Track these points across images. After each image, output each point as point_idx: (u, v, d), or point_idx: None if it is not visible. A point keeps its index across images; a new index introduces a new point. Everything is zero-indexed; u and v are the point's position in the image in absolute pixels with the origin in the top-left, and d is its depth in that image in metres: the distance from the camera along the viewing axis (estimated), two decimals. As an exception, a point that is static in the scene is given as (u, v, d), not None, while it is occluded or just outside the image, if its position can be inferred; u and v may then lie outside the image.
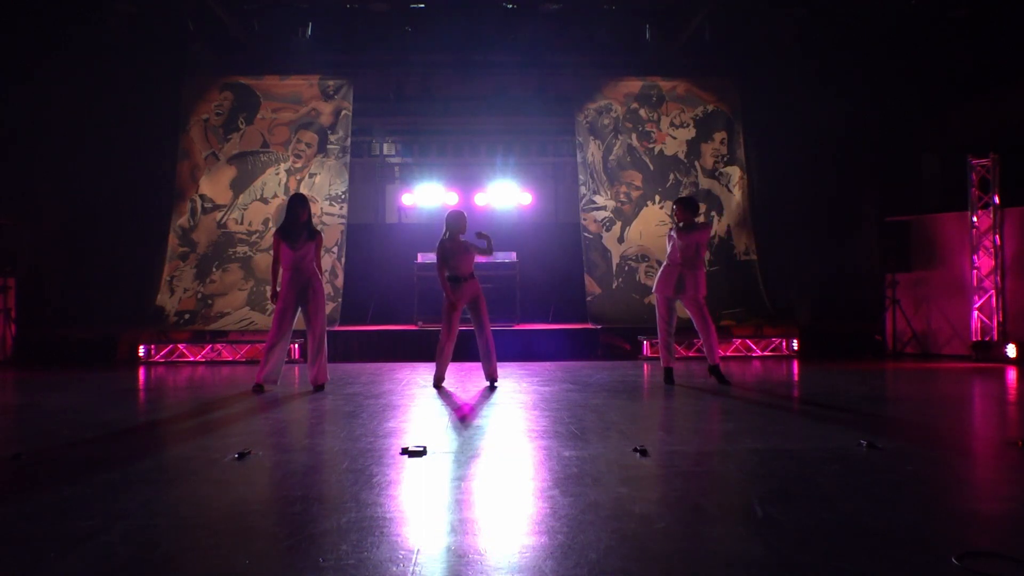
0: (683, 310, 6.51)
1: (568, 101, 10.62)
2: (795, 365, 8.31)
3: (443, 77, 10.68)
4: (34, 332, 9.22)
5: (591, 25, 9.88)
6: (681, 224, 6.28)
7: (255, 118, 10.17)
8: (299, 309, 6.08)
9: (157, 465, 3.47)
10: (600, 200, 10.25)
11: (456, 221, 6.15)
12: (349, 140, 10.20)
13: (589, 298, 9.89)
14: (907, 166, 10.01)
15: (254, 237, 9.83)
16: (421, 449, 3.62)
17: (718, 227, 10.24)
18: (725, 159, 10.44)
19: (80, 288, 9.39)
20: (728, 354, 9.32)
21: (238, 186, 10.01)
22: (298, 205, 6.05)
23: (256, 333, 9.16)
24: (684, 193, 10.09)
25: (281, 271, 6.07)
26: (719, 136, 10.48)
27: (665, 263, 6.34)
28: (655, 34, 9.92)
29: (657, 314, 6.37)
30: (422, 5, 9.34)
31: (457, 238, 6.15)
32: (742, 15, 9.47)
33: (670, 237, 6.32)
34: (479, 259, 6.28)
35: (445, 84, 10.79)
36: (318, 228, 9.52)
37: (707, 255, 8.04)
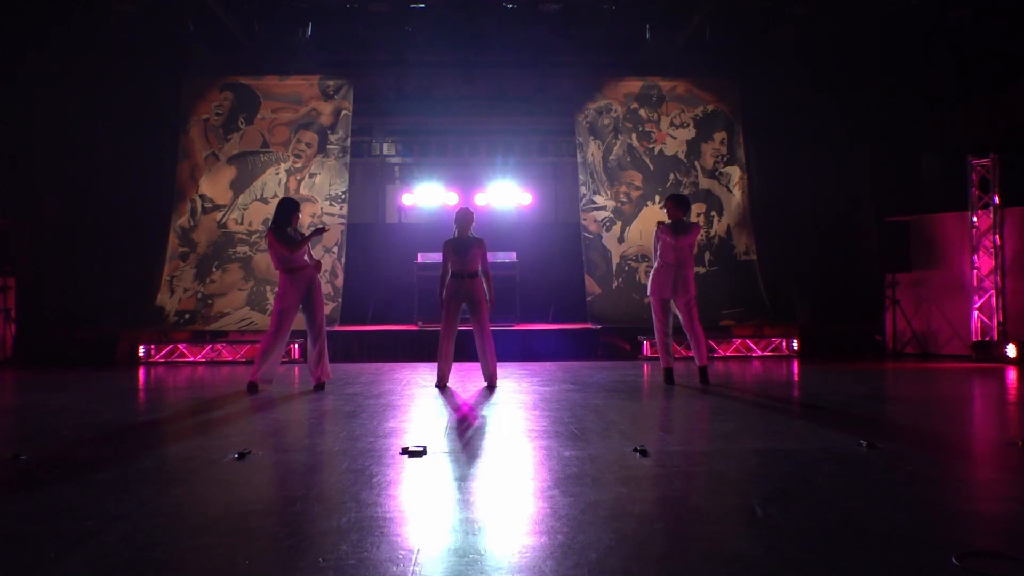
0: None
1: (568, 101, 10.62)
2: (795, 365, 8.31)
3: (443, 77, 10.68)
4: (34, 332, 9.22)
5: (591, 25, 9.88)
6: (671, 222, 6.25)
7: (255, 118, 10.17)
8: (299, 309, 6.07)
9: (157, 465, 3.47)
10: (600, 200, 10.25)
11: (463, 218, 6.20)
12: (349, 140, 10.20)
13: (589, 298, 9.89)
14: (907, 166, 10.00)
15: (254, 237, 9.83)
16: (421, 449, 3.62)
17: (718, 227, 10.25)
18: (725, 159, 10.44)
19: (80, 288, 9.39)
20: (728, 354, 9.33)
21: (238, 186, 10.01)
22: (291, 209, 6.05)
23: (256, 333, 9.15)
24: (684, 193, 10.09)
25: (279, 274, 6.04)
26: (719, 136, 10.48)
27: (657, 263, 6.27)
28: (655, 34, 9.91)
29: (653, 316, 6.35)
30: (422, 5, 9.33)
31: (464, 236, 6.17)
32: (742, 15, 9.46)
33: (659, 237, 6.25)
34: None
35: (445, 84, 10.79)
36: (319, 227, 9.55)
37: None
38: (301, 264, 5.98)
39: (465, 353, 7.58)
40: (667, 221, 6.29)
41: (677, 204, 6.28)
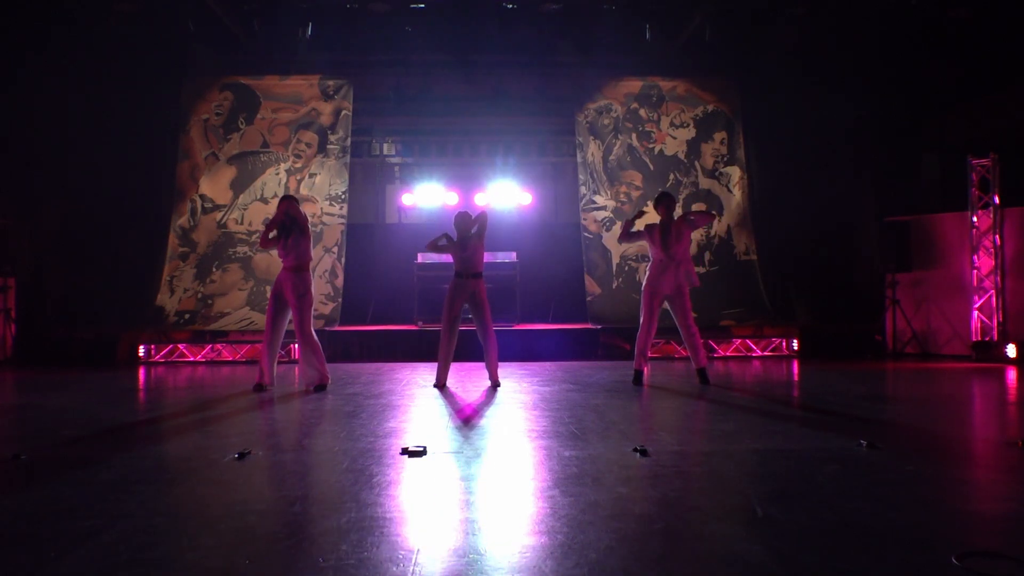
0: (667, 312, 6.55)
1: (568, 101, 10.62)
2: (795, 365, 8.31)
3: (443, 77, 10.66)
4: (34, 332, 9.22)
5: (591, 25, 9.87)
6: (661, 224, 6.26)
7: (255, 118, 10.17)
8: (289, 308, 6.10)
9: (157, 465, 3.47)
10: (600, 200, 10.25)
11: (462, 221, 6.26)
12: (349, 140, 10.20)
13: (589, 298, 9.89)
14: (907, 166, 10.00)
15: (254, 237, 9.82)
16: (421, 449, 3.62)
17: (718, 227, 10.24)
18: (725, 159, 10.44)
19: (80, 288, 9.38)
20: (728, 354, 9.33)
21: (238, 186, 10.01)
22: (278, 203, 6.14)
23: (256, 333, 9.16)
24: (684, 193, 10.10)
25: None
26: (719, 136, 10.48)
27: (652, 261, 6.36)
28: (655, 34, 9.91)
29: (641, 312, 6.39)
30: (422, 5, 9.33)
31: (465, 237, 6.20)
32: (742, 15, 9.46)
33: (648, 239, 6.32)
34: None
35: (445, 84, 10.78)
36: (317, 228, 9.57)
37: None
38: (284, 262, 6.05)
39: (466, 353, 7.58)
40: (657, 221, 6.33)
41: (661, 204, 6.27)
